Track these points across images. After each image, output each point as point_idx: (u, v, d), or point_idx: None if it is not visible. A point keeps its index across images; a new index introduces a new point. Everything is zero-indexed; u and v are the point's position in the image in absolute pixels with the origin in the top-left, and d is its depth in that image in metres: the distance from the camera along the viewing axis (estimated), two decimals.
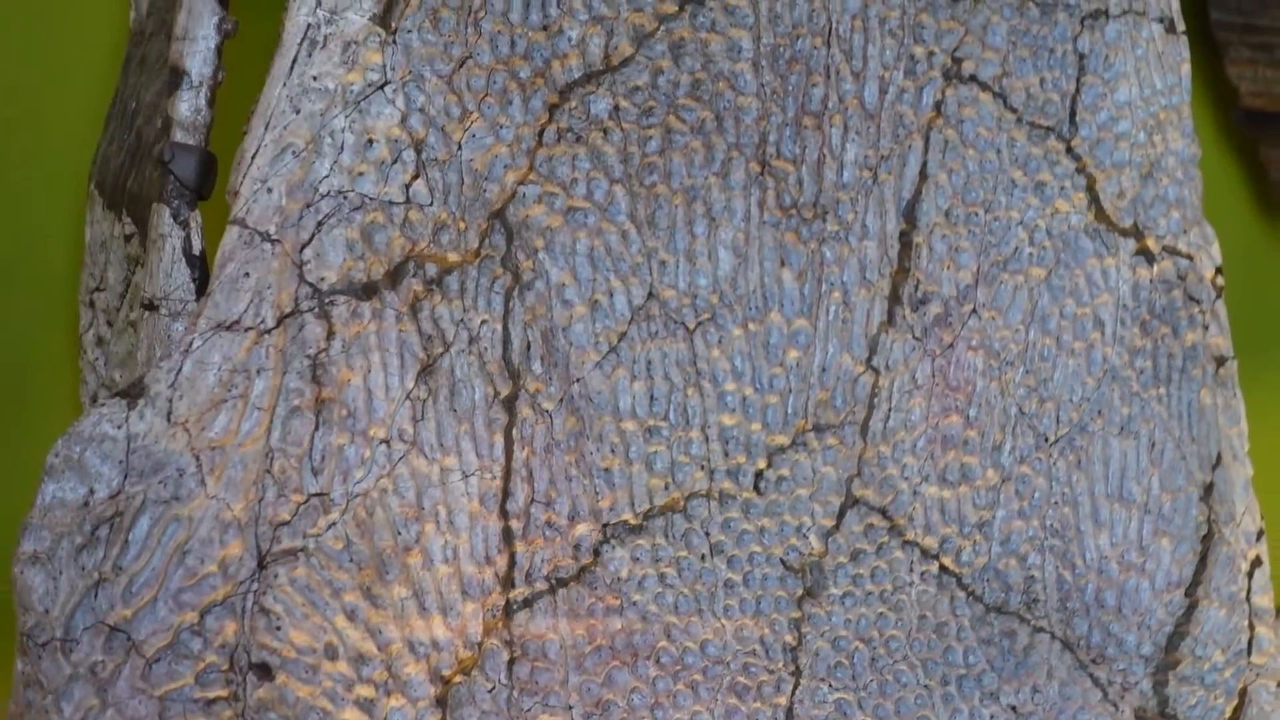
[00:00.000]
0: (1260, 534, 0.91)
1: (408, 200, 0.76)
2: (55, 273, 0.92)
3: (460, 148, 0.77)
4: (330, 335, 0.74)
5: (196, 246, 0.76)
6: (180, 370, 0.72)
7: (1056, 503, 0.86)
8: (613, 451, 0.78)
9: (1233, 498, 0.90)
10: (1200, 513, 0.89)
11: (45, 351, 0.91)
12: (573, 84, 0.79)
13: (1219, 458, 0.90)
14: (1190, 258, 0.90)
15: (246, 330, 0.73)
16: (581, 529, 0.78)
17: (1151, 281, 0.89)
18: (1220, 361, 0.91)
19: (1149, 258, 0.89)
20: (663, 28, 0.80)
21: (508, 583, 0.76)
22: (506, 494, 0.76)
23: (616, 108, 0.79)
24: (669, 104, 0.80)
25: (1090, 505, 0.87)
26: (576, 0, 0.79)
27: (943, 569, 0.84)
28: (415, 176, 0.76)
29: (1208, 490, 0.89)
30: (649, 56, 0.80)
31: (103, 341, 0.84)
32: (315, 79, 0.75)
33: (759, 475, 0.81)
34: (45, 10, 0.92)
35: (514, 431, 0.77)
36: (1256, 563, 0.90)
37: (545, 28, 0.78)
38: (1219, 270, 0.92)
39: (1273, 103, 1.22)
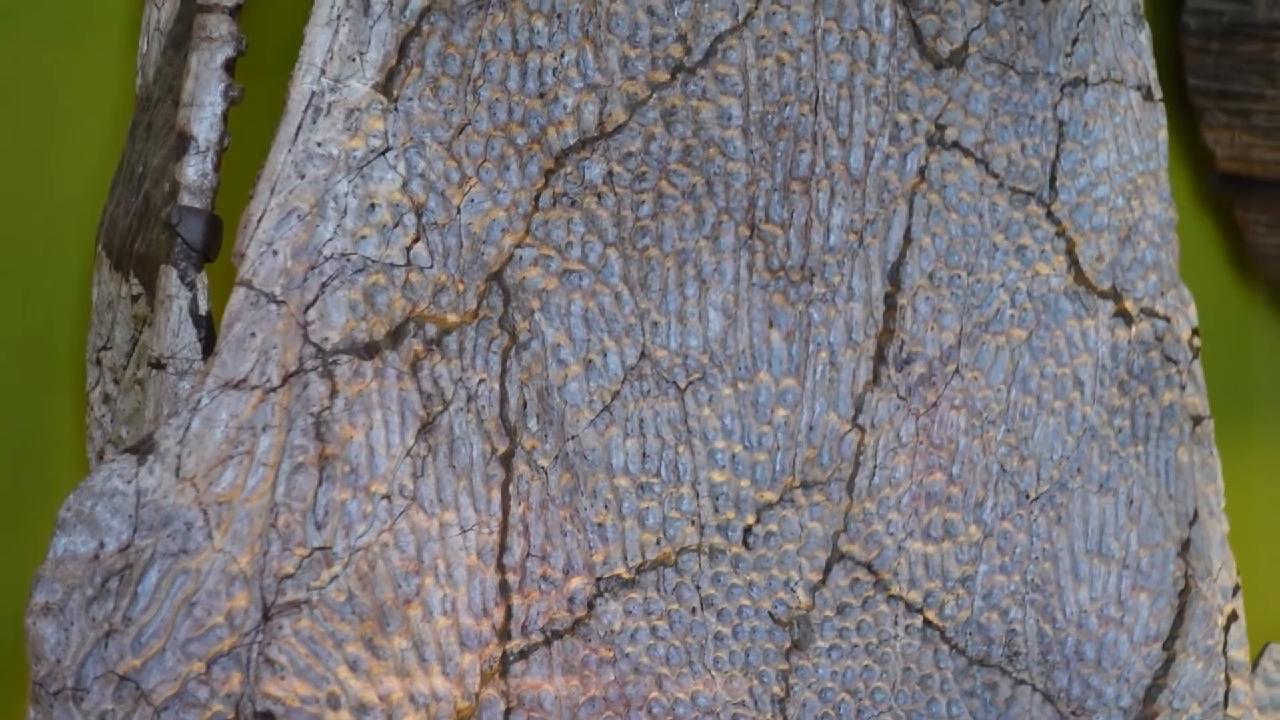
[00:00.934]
0: (1236, 589, 0.92)
1: (408, 263, 0.76)
2: (62, 332, 0.92)
3: (459, 212, 0.77)
4: (333, 393, 0.74)
5: (203, 307, 0.76)
6: (189, 427, 0.72)
7: (1037, 558, 0.87)
8: (606, 507, 0.79)
9: (1209, 553, 0.91)
10: (1177, 568, 0.90)
11: (52, 408, 0.92)
12: (568, 150, 0.79)
13: (1196, 514, 0.91)
14: (1167, 319, 0.91)
15: (253, 388, 0.73)
16: (576, 583, 0.78)
17: (1130, 342, 0.90)
18: (1197, 420, 0.92)
19: (1127, 319, 0.90)
20: (655, 95, 0.81)
21: (505, 635, 0.77)
22: (504, 548, 0.77)
23: (610, 173, 0.80)
24: (661, 169, 0.81)
25: (1070, 560, 0.87)
26: (572, 69, 0.79)
27: (927, 623, 0.84)
28: (416, 239, 0.76)
29: (1185, 546, 0.90)
30: (642, 123, 0.81)
31: (109, 399, 0.84)
32: (319, 145, 0.75)
33: (748, 530, 0.81)
34: (53, 75, 0.92)
35: (511, 487, 0.77)
36: (1233, 617, 0.91)
37: (542, 95, 0.79)
38: (1195, 332, 0.92)
39: (1248, 167, 1.21)
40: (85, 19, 0.93)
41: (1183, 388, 0.91)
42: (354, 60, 0.76)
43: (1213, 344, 1.14)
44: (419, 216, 0.77)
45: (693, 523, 0.80)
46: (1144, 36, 0.92)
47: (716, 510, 0.81)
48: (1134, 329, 0.90)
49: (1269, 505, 1.25)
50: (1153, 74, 0.93)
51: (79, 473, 0.91)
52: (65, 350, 0.92)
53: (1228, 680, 0.90)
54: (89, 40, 0.93)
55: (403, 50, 0.77)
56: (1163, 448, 0.90)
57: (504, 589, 0.77)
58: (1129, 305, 0.90)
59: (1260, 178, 1.21)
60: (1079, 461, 0.88)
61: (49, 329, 0.92)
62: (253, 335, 0.73)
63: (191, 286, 0.76)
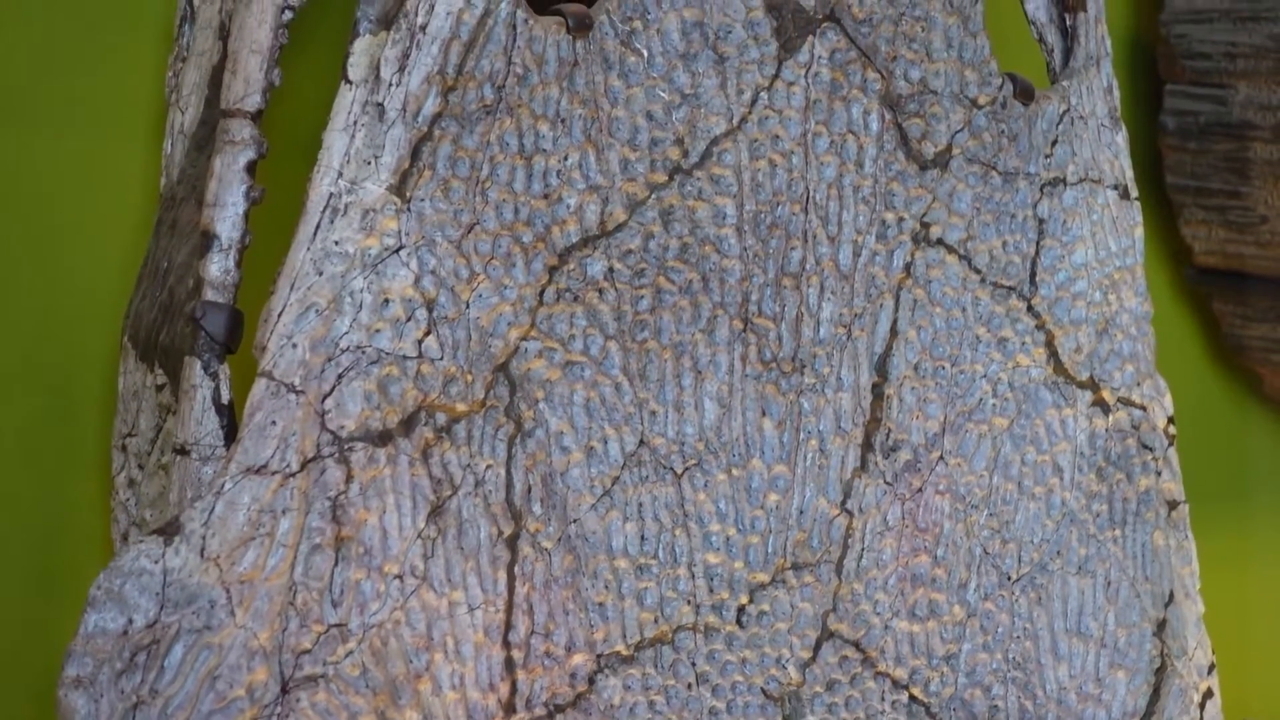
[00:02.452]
0: (1211, 667, 0.93)
1: (420, 355, 0.76)
2: (88, 419, 0.92)
3: (468, 306, 0.77)
4: (349, 479, 0.74)
5: (225, 396, 0.76)
6: (213, 510, 0.72)
7: (1019, 637, 0.88)
8: (606, 587, 0.79)
9: (1185, 633, 0.92)
10: (1154, 647, 0.91)
11: (77, 491, 0.92)
12: (571, 248, 0.80)
13: (1171, 595, 0.92)
14: (1144, 408, 0.92)
15: (273, 474, 0.73)
16: (578, 659, 0.78)
17: (1107, 431, 0.91)
18: (1173, 505, 0.93)
19: (1105, 408, 0.91)
20: (653, 196, 0.81)
21: (510, 709, 0.77)
22: (509, 626, 0.77)
23: (611, 269, 0.81)
24: (659, 266, 0.82)
25: (1050, 639, 0.88)
26: (575, 171, 0.80)
27: (912, 699, 0.85)
28: (427, 333, 0.77)
29: (1161, 626, 0.91)
30: (641, 222, 0.81)
31: (134, 483, 0.84)
32: (337, 244, 0.75)
33: (741, 610, 0.82)
34: (82, 174, 0.92)
35: (516, 568, 0.77)
36: (1208, 694, 0.92)
37: (546, 196, 0.79)
38: (1171, 420, 0.93)
39: (1225, 261, 1.22)
40: (112, 121, 0.93)
41: (1159, 474, 0.92)
42: (369, 164, 0.76)
43: (1191, 431, 1.15)
44: (430, 311, 0.77)
45: (689, 602, 0.81)
46: (1120, 138, 0.94)
47: (711, 590, 0.82)
48: (1111, 418, 0.91)
49: (1238, 587, 1.27)
50: (1129, 174, 0.94)
51: (103, 554, 0.91)
52: (91, 437, 0.92)
53: None
54: (115, 142, 0.94)
55: (415, 154, 0.77)
56: (1139, 532, 0.91)
57: (509, 665, 0.77)
58: (1106, 395, 0.91)
59: (1236, 271, 1.21)
60: (1059, 545, 0.89)
61: (76, 417, 0.92)
62: (273, 423, 0.73)
63: (214, 377, 0.76)
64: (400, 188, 0.77)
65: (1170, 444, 0.93)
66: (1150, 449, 0.92)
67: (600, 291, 0.81)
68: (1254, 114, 1.18)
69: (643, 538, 0.81)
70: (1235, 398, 1.29)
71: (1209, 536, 1.11)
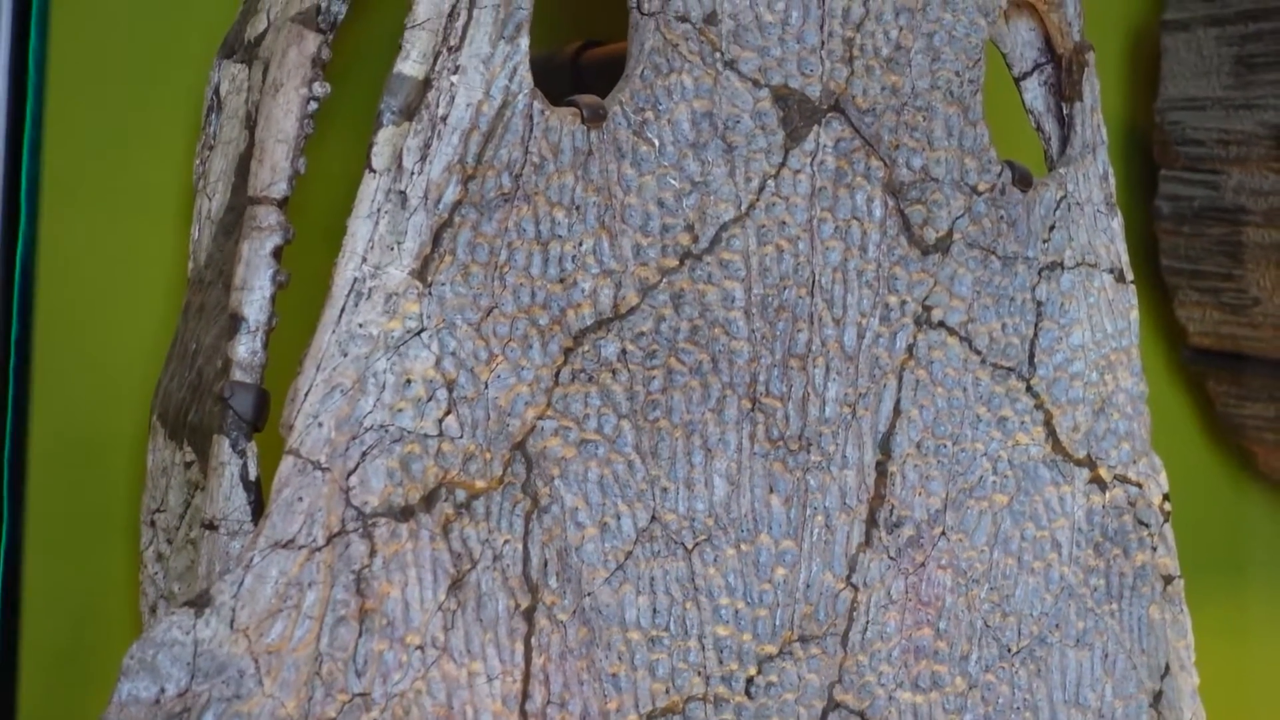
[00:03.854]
0: None
1: (441, 433, 0.77)
2: (117, 495, 0.93)
3: (487, 387, 0.78)
4: (373, 553, 0.75)
5: (252, 473, 0.77)
6: (242, 583, 0.73)
7: (1019, 708, 0.88)
8: (619, 659, 0.80)
9: (1180, 705, 0.92)
10: (1150, 718, 0.91)
11: (107, 565, 0.93)
12: (585, 330, 0.81)
13: (1167, 668, 0.92)
14: (1140, 485, 0.93)
15: (300, 548, 0.73)
16: None
17: (1104, 507, 0.92)
18: (1168, 580, 0.93)
19: (1101, 485, 0.92)
20: (665, 280, 0.83)
21: None
22: (526, 696, 0.78)
23: (624, 351, 0.82)
24: (670, 348, 0.82)
25: (1049, 711, 0.89)
26: (589, 256, 0.81)
27: None
28: (447, 412, 0.77)
29: (1157, 698, 0.92)
30: (653, 305, 0.82)
31: (162, 558, 0.85)
32: (361, 326, 0.76)
33: (750, 681, 0.83)
34: (112, 259, 0.93)
35: (533, 640, 0.78)
36: None
37: (561, 280, 0.80)
38: (1166, 496, 0.94)
39: (1219, 342, 1.23)
40: (142, 207, 0.95)
41: (1154, 549, 0.93)
42: (392, 249, 0.77)
43: (1188, 507, 1.15)
44: (450, 391, 0.77)
45: (699, 673, 0.82)
46: (1116, 223, 0.95)
47: (721, 662, 0.82)
48: (1108, 494, 0.92)
49: (1234, 659, 1.27)
50: (1124, 258, 0.95)
51: (132, 626, 0.92)
52: (120, 513, 0.93)
53: None
54: (145, 227, 0.95)
55: (436, 240, 0.77)
56: (1136, 605, 0.92)
57: None
58: (1103, 472, 0.92)
59: (1230, 352, 1.23)
60: (1057, 618, 0.90)
61: (106, 493, 0.93)
62: (300, 499, 0.74)
63: (242, 454, 0.77)
64: (422, 272, 0.78)
65: (1165, 520, 0.94)
66: (1146, 525, 0.93)
67: (614, 372, 0.82)
68: (1247, 199, 1.20)
69: (655, 611, 0.82)
70: (1231, 475, 1.30)
71: (1205, 610, 1.11)
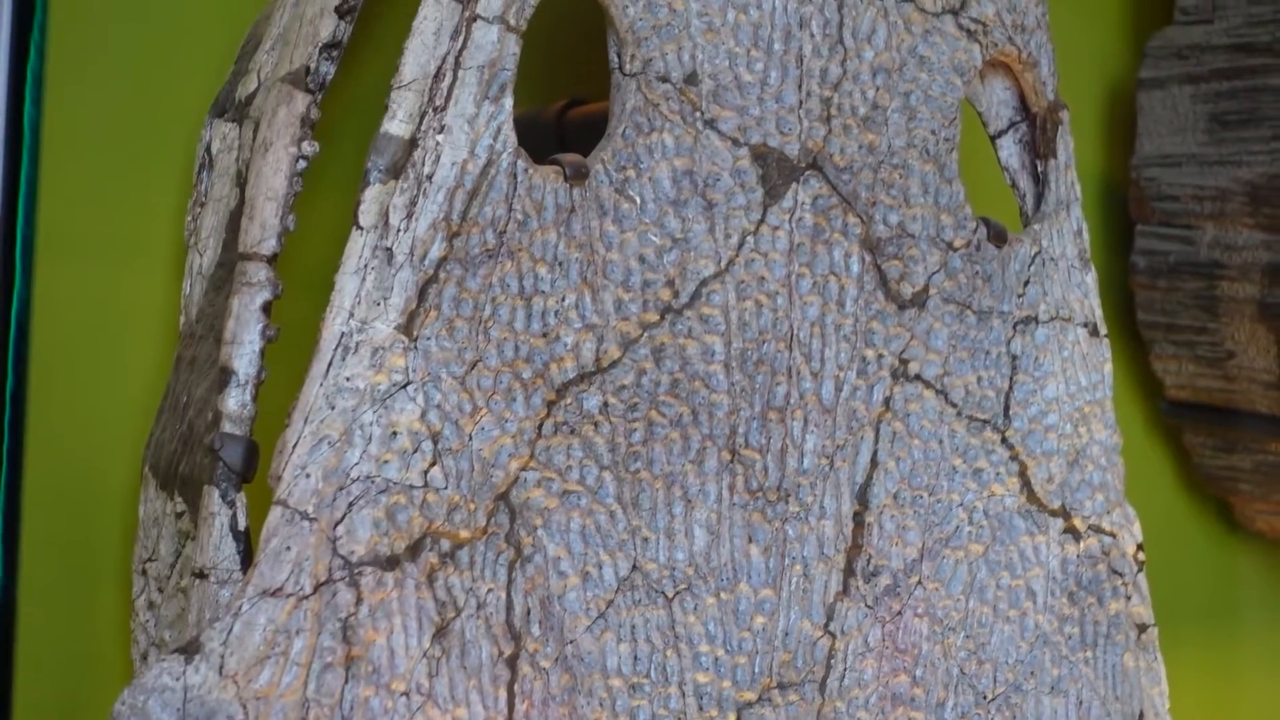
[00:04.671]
0: None
1: (426, 484, 0.77)
2: (108, 545, 0.93)
3: (471, 439, 0.79)
4: (359, 601, 0.75)
5: (242, 523, 0.78)
6: (231, 630, 0.73)
7: None
8: (601, 705, 0.80)
9: None
10: None
11: (98, 614, 0.93)
12: (568, 383, 0.81)
13: (1141, 715, 0.93)
14: (1113, 535, 0.94)
15: (288, 596, 0.74)
16: None
17: (1078, 556, 0.93)
18: (1142, 628, 0.94)
19: (1076, 535, 0.93)
20: (646, 334, 0.83)
21: None
22: None
23: (606, 404, 0.82)
24: (651, 400, 0.83)
25: None
26: (572, 311, 0.81)
27: None
28: (433, 464, 0.78)
29: None
30: (634, 359, 0.83)
31: (153, 606, 0.86)
32: (348, 380, 0.77)
33: None
34: (104, 314, 0.94)
35: (516, 686, 0.78)
36: None
37: (545, 335, 0.81)
38: (1140, 546, 0.95)
39: (1195, 394, 1.24)
40: (134, 262, 0.95)
41: (1128, 598, 0.94)
42: (379, 304, 0.77)
43: (1165, 556, 1.16)
44: (435, 443, 0.78)
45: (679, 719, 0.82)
46: (1090, 278, 0.96)
47: (701, 709, 0.83)
48: (1082, 544, 0.93)
49: (1211, 704, 1.28)
50: (1098, 312, 0.96)
51: (123, 673, 0.92)
52: (111, 562, 0.93)
53: None
54: (137, 282, 0.95)
55: (422, 295, 0.78)
56: (1110, 653, 0.93)
57: None
58: (1077, 523, 0.93)
59: (1205, 404, 1.23)
60: (1032, 665, 0.91)
61: (97, 543, 0.93)
62: (288, 549, 0.75)
63: (232, 505, 0.78)
64: (408, 327, 0.79)
65: (1139, 569, 0.95)
66: (1120, 574, 0.94)
67: (596, 425, 0.82)
68: (1221, 254, 1.21)
69: (635, 658, 0.82)
70: (1208, 525, 1.31)
71: (1183, 657, 1.13)
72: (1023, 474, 0.92)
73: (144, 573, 0.87)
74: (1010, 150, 0.98)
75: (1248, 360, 1.21)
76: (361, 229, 0.79)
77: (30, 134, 0.92)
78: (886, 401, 0.89)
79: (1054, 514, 0.93)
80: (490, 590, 0.79)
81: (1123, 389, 1.24)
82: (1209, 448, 1.26)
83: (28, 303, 0.92)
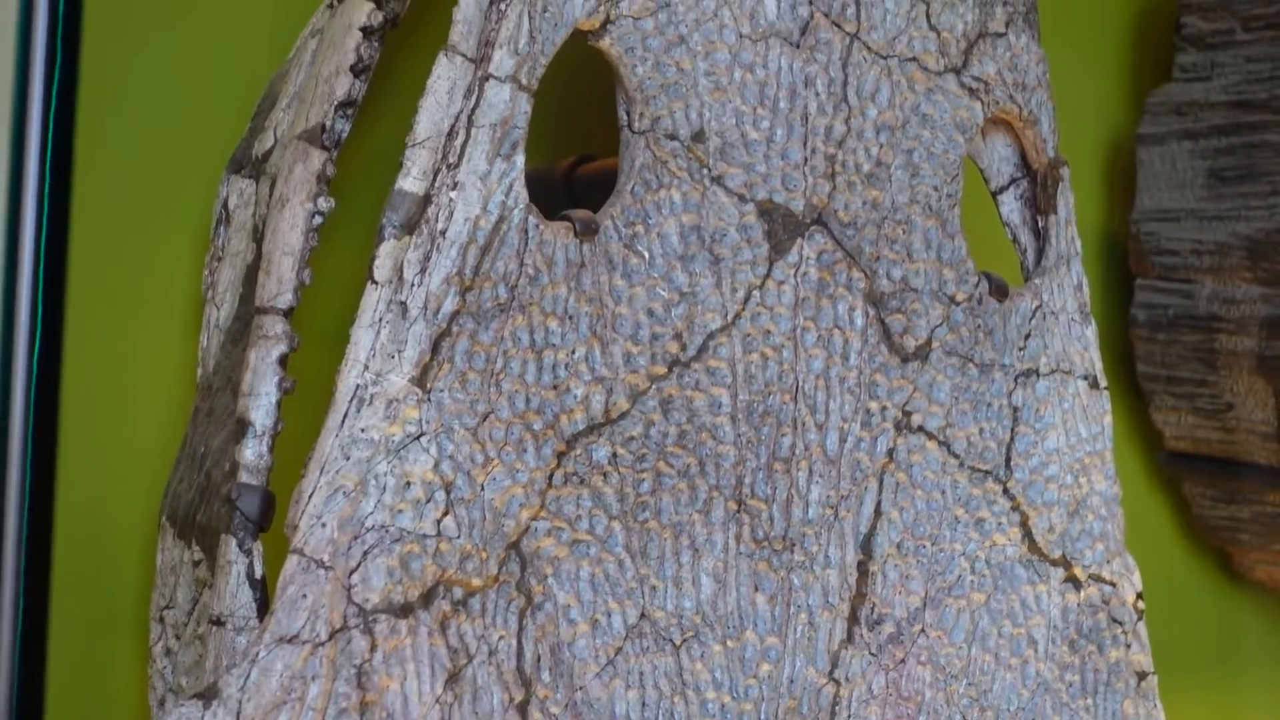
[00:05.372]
0: None
1: (439, 534, 0.78)
2: (126, 593, 0.94)
3: (483, 489, 0.79)
4: (373, 648, 0.76)
5: (258, 572, 0.78)
6: (248, 676, 0.74)
7: None
8: None
9: None
10: None
11: (116, 661, 0.93)
12: (578, 435, 0.82)
13: None
14: (1113, 584, 0.94)
15: (304, 643, 0.75)
16: None
17: (1079, 605, 0.93)
18: (1142, 676, 0.95)
19: (1076, 584, 0.93)
20: (654, 386, 0.84)
21: None
22: None
23: (615, 455, 0.83)
24: (659, 452, 0.84)
25: None
26: (581, 364, 0.82)
27: None
28: (445, 513, 0.79)
29: None
30: (642, 411, 0.84)
31: (171, 653, 0.86)
32: (363, 431, 0.77)
33: None
34: (123, 367, 0.94)
35: None
36: None
37: (555, 387, 0.82)
38: (1140, 595, 0.95)
39: (1194, 445, 1.24)
40: (152, 316, 0.96)
41: (1128, 646, 0.95)
42: (393, 357, 0.78)
43: (1165, 606, 1.17)
44: (448, 493, 0.79)
45: None
46: (1090, 332, 0.97)
47: None
48: (1083, 593, 0.94)
49: None
50: (1098, 365, 0.97)
51: (141, 718, 0.93)
52: (129, 609, 0.94)
53: None
54: (155, 335, 0.96)
55: (435, 348, 0.79)
56: (1110, 701, 0.93)
57: None
58: (1078, 572, 0.94)
59: (1205, 455, 1.24)
60: (1033, 713, 0.91)
61: (115, 591, 0.93)
62: (304, 596, 0.75)
63: (249, 554, 0.79)
64: (421, 379, 0.79)
65: (1139, 618, 0.96)
66: (1120, 623, 0.95)
67: (605, 475, 0.83)
68: (1220, 307, 1.21)
69: (644, 704, 0.82)
70: (1208, 574, 1.31)
71: (1184, 705, 1.14)
72: (1024, 524, 0.93)
73: (161, 620, 0.88)
74: (1011, 206, 0.99)
75: (1246, 412, 1.21)
76: (376, 283, 0.80)
77: (58, 194, 0.93)
78: (890, 453, 0.90)
79: (1055, 563, 0.94)
80: (501, 637, 0.80)
81: (1123, 440, 1.25)
82: (1208, 498, 1.27)
83: (59, 356, 0.93)
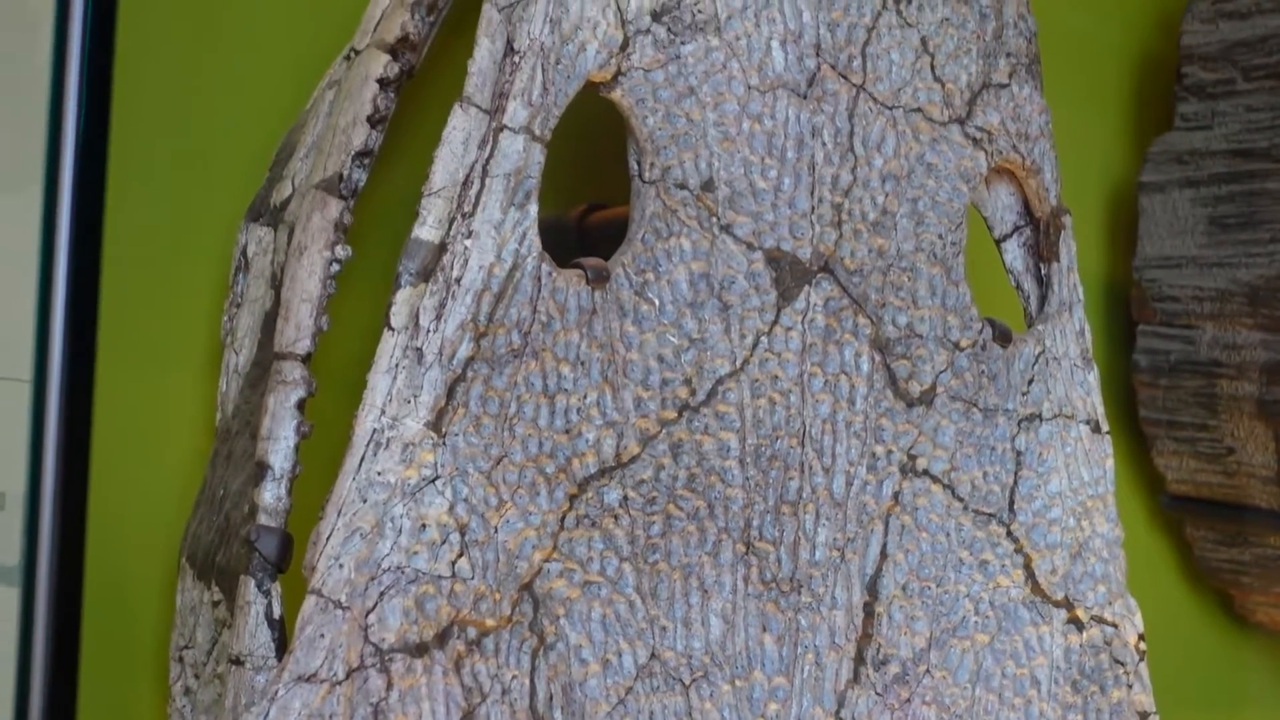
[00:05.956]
0: None
1: (453, 575, 0.79)
2: (146, 632, 0.94)
3: (497, 531, 0.81)
4: (389, 686, 0.77)
5: (276, 612, 0.79)
6: (268, 715, 0.75)
7: None
8: None
9: None
10: None
11: (136, 699, 0.93)
12: (589, 478, 0.83)
13: None
14: (1115, 625, 0.95)
15: (322, 681, 0.76)
16: None
17: (1081, 646, 0.94)
18: (1144, 716, 0.96)
19: (1079, 625, 0.94)
20: (664, 431, 0.85)
21: None
22: None
23: (625, 498, 0.84)
24: (669, 495, 0.85)
25: None
26: (593, 408, 0.83)
27: None
28: (460, 555, 0.80)
29: None
30: (653, 455, 0.84)
31: (190, 691, 0.87)
32: (379, 474, 0.79)
33: None
34: (143, 411, 0.95)
35: None
36: None
37: (567, 431, 0.83)
38: (1141, 636, 0.96)
39: (1195, 489, 1.25)
40: (172, 362, 0.96)
41: (1130, 686, 0.96)
42: (409, 402, 0.79)
43: (1167, 647, 1.18)
44: (463, 535, 0.80)
45: None
46: (1092, 377, 0.98)
47: None
48: (1085, 634, 0.94)
49: None
50: (1100, 410, 0.97)
51: None
52: (149, 649, 0.94)
53: None
54: (175, 380, 0.97)
55: (450, 393, 0.80)
56: None
57: None
58: (1080, 613, 0.94)
59: (1206, 499, 1.25)
60: None
61: (135, 631, 0.94)
62: (322, 636, 0.76)
63: (267, 594, 0.79)
64: (437, 424, 0.80)
65: (1141, 659, 0.97)
66: (1122, 663, 0.96)
67: (616, 518, 0.84)
68: (1221, 353, 1.22)
69: None
70: (1209, 615, 1.32)
71: None
72: (1027, 566, 0.94)
73: (181, 659, 0.89)
74: (1015, 254, 1.00)
75: (1247, 456, 1.22)
76: (393, 330, 0.81)
77: (90, 249, 0.95)
78: (895, 496, 0.91)
79: (1058, 605, 0.94)
80: (514, 677, 0.81)
81: (1126, 483, 1.25)
82: (1210, 541, 1.27)
83: (90, 402, 0.94)
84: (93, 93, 0.93)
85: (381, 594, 0.79)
